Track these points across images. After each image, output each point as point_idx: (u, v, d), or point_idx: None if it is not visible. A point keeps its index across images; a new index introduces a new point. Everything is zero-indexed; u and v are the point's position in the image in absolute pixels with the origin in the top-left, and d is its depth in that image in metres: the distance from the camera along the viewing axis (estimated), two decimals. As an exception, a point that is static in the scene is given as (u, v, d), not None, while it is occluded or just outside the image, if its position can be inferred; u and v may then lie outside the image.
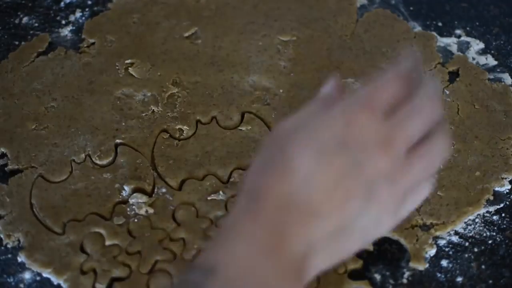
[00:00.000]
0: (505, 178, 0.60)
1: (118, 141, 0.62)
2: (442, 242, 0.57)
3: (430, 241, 0.56)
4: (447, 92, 0.66)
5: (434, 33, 0.71)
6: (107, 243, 0.56)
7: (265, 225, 0.43)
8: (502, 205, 0.59)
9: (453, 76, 0.68)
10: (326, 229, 0.44)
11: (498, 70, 0.69)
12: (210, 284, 0.41)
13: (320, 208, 0.43)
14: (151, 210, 0.57)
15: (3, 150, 0.61)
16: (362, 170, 0.44)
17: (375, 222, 0.45)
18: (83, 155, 0.61)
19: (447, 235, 0.57)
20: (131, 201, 0.58)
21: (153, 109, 0.64)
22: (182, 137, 0.63)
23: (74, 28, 0.72)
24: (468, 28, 0.72)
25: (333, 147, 0.44)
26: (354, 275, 0.55)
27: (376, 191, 0.44)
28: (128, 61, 0.68)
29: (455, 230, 0.57)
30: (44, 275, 0.55)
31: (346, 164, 0.44)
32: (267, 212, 0.43)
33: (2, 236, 0.57)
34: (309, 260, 0.44)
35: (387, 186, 0.44)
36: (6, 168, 0.60)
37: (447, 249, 0.56)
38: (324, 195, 0.43)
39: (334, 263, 0.46)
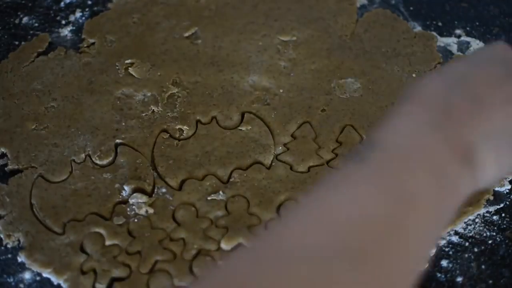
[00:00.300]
0: (505, 178, 0.60)
1: (118, 141, 0.62)
2: (442, 242, 0.57)
3: (430, 241, 0.56)
4: (447, 92, 0.66)
5: (434, 33, 0.71)
6: (107, 243, 0.56)
7: (431, 106, 0.42)
8: (502, 205, 0.59)
9: (453, 76, 0.68)
10: (494, 123, 0.43)
11: (498, 70, 0.68)
12: (374, 156, 0.39)
13: (486, 100, 0.43)
14: (151, 210, 0.57)
15: (3, 150, 0.61)
16: None
17: None
18: (83, 155, 0.61)
19: (447, 235, 0.57)
20: (131, 201, 0.58)
21: (153, 109, 0.64)
22: (182, 137, 0.63)
23: (74, 28, 0.72)
24: (468, 28, 0.72)
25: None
26: (354, 275, 0.54)
27: None
28: (128, 61, 0.68)
29: (455, 230, 0.57)
30: (44, 275, 0.55)
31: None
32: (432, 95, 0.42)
33: (2, 236, 0.57)
34: (477, 153, 0.41)
35: None
36: (6, 168, 0.60)
37: (447, 249, 0.56)
38: (490, 89, 0.43)
39: (501, 171, 0.45)
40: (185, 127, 0.63)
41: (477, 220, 0.58)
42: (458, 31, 0.72)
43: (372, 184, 0.38)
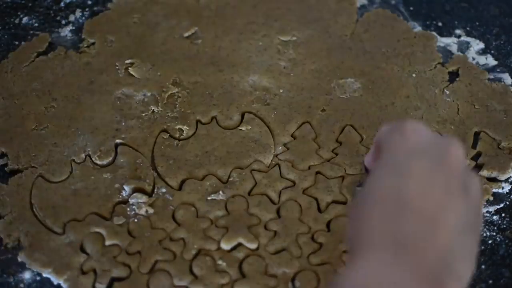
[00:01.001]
0: (506, 180, 0.61)
1: (118, 141, 0.62)
2: (442, 242, 0.57)
3: (430, 241, 0.56)
4: (447, 92, 0.66)
5: (434, 33, 0.71)
6: (107, 243, 0.56)
7: (387, 243, 0.43)
8: (502, 205, 0.59)
9: (453, 76, 0.68)
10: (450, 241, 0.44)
11: (498, 70, 0.69)
12: None
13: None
14: (151, 210, 0.57)
15: (3, 150, 0.61)
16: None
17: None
18: (83, 155, 0.61)
19: (447, 235, 0.57)
20: (131, 201, 0.58)
21: (153, 109, 0.64)
22: (182, 137, 0.63)
23: (74, 28, 0.72)
24: (468, 28, 0.72)
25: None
26: (354, 275, 0.54)
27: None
28: (128, 61, 0.68)
29: (455, 230, 0.57)
30: (44, 275, 0.55)
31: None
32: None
33: (2, 236, 0.57)
34: (442, 277, 0.43)
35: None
36: (6, 168, 0.60)
37: (447, 249, 0.56)
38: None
39: (470, 269, 0.46)
40: (185, 127, 0.63)
41: (477, 220, 0.58)
42: (458, 31, 0.72)
43: None
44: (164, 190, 0.59)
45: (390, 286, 0.41)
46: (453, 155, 0.46)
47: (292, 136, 0.63)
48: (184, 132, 0.63)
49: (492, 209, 0.59)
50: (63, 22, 0.72)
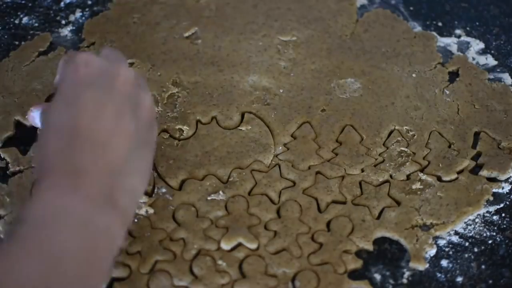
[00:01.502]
0: (506, 180, 0.61)
1: (118, 141, 0.62)
2: (442, 242, 0.57)
3: (430, 241, 0.56)
4: (447, 92, 0.66)
5: (434, 33, 0.71)
6: (107, 243, 0.56)
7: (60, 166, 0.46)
8: (502, 205, 0.59)
9: (453, 76, 0.68)
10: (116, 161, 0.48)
11: (498, 70, 0.69)
12: (21, 232, 0.44)
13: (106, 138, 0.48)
14: (151, 210, 0.57)
15: (1, 154, 0.61)
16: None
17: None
18: (83, 155, 0.61)
19: (447, 235, 0.57)
20: (131, 201, 0.58)
21: (153, 109, 0.64)
22: (182, 137, 0.63)
23: (74, 28, 0.72)
24: (468, 28, 0.72)
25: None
26: (354, 275, 0.55)
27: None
28: (128, 61, 0.68)
29: (455, 230, 0.57)
30: (44, 275, 0.55)
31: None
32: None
33: (2, 236, 0.56)
34: (113, 192, 0.47)
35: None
36: (8, 172, 0.60)
37: (447, 249, 0.56)
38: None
39: (145, 180, 0.52)
40: (185, 127, 0.63)
41: (477, 220, 0.58)
42: (458, 31, 0.72)
43: (22, 261, 0.42)
44: (164, 190, 0.59)
45: (63, 210, 0.45)
46: (121, 80, 0.51)
47: (292, 136, 0.63)
48: (184, 132, 0.63)
49: (492, 209, 0.59)
50: (63, 22, 0.72)
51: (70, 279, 0.43)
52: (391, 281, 0.55)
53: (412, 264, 0.55)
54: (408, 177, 0.60)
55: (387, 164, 0.61)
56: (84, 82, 0.50)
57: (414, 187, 0.59)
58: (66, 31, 0.71)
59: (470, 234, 0.57)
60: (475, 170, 0.61)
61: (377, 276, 0.55)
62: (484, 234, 0.57)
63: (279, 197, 0.59)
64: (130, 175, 0.49)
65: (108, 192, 0.47)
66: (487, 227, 0.58)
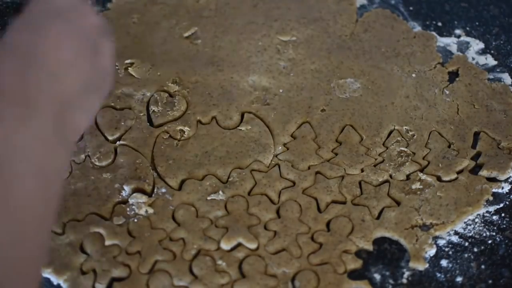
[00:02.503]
0: (505, 180, 0.61)
1: (118, 141, 0.62)
2: (442, 242, 0.57)
3: (430, 241, 0.56)
4: (447, 92, 0.66)
5: (434, 33, 0.71)
6: (107, 243, 0.56)
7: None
8: (502, 205, 0.59)
9: (453, 76, 0.68)
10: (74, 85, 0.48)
11: (498, 70, 0.69)
12: None
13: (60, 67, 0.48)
14: (151, 210, 0.57)
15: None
16: None
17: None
18: (82, 156, 0.61)
19: (447, 235, 0.57)
20: (131, 201, 0.58)
21: (153, 109, 0.64)
22: (182, 137, 0.63)
23: (74, 28, 0.72)
24: (468, 28, 0.72)
25: None
26: (354, 275, 0.55)
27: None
28: (128, 61, 0.68)
29: (455, 230, 0.57)
30: (44, 275, 0.55)
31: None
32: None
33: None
34: (67, 117, 0.47)
35: None
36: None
37: (447, 249, 0.56)
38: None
39: (88, 122, 0.51)
40: (186, 128, 0.63)
41: (477, 220, 0.58)
42: (458, 31, 0.72)
43: None
44: (164, 190, 0.59)
45: (14, 152, 0.43)
46: (88, 22, 0.51)
47: (291, 136, 0.63)
48: (186, 133, 0.63)
49: (492, 209, 0.59)
50: (63, 22, 0.72)
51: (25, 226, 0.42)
52: (391, 281, 0.55)
53: (412, 264, 0.55)
54: (407, 177, 0.60)
55: (387, 164, 0.61)
56: (53, 12, 0.49)
57: (413, 187, 0.59)
58: (66, 31, 0.71)
59: (470, 234, 0.57)
60: (475, 170, 0.61)
61: (377, 276, 0.55)
62: (484, 234, 0.57)
63: (279, 197, 0.59)
64: (76, 113, 0.48)
65: (57, 128, 0.46)
66: (486, 227, 0.58)
